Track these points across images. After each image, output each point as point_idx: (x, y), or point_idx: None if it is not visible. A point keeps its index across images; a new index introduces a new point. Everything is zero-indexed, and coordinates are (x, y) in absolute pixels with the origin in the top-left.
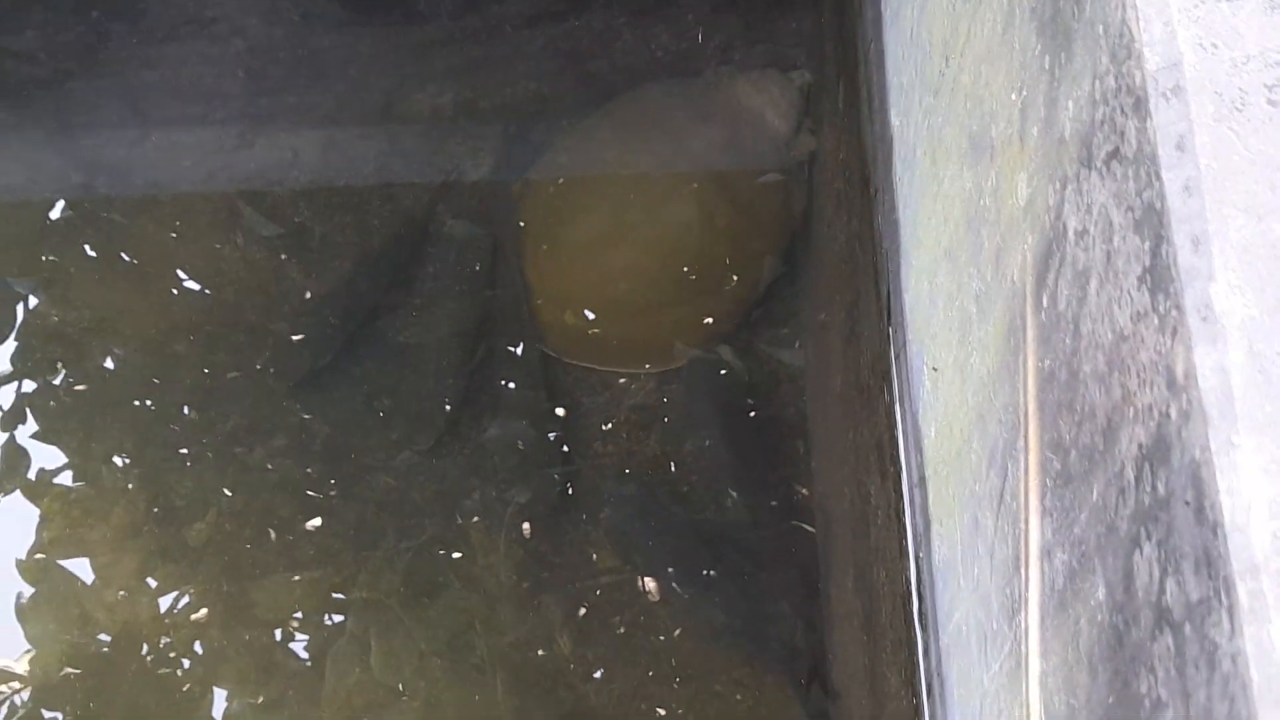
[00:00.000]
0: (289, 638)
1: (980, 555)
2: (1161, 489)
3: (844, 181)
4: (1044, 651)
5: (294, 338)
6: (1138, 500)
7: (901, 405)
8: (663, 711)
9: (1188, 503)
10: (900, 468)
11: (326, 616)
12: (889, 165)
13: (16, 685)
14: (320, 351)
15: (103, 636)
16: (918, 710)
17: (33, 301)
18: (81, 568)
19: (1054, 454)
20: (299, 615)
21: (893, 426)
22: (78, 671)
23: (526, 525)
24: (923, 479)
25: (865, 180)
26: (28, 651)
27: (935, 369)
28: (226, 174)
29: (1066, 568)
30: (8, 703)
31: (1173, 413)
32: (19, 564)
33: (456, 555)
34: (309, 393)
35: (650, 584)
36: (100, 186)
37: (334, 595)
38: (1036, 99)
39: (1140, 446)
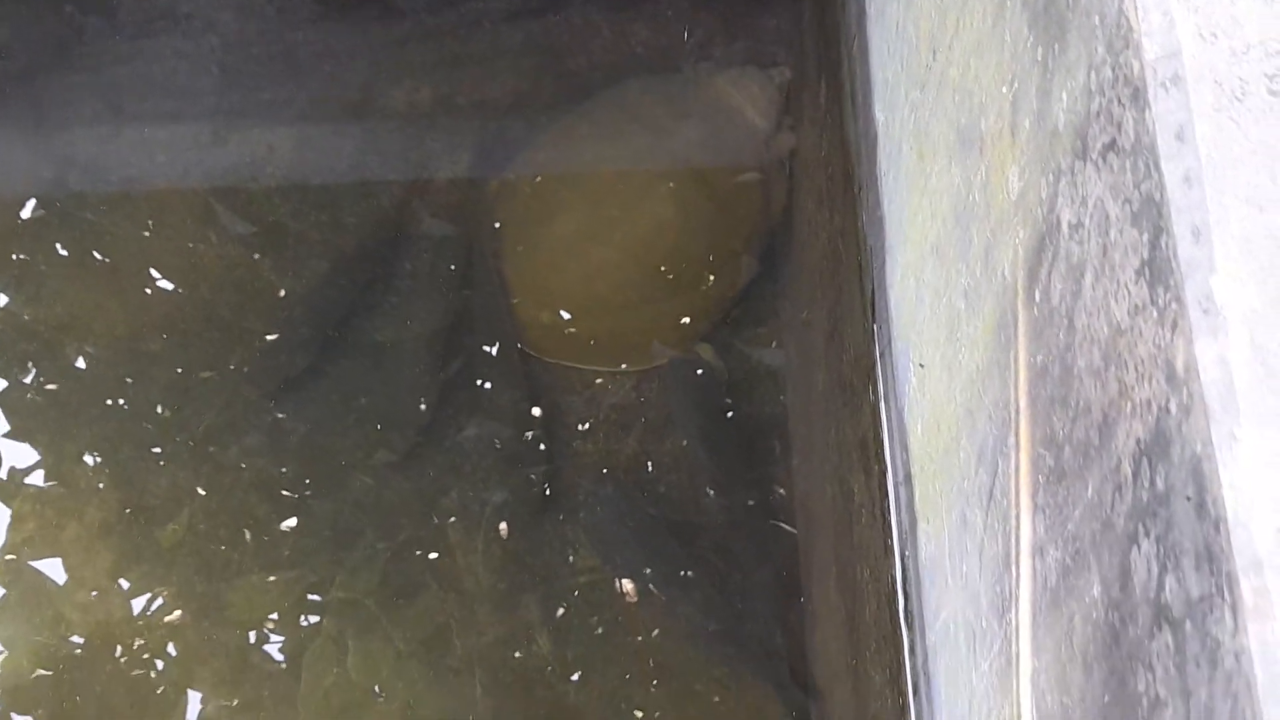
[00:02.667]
0: (264, 639)
1: (969, 552)
2: (1160, 484)
3: (826, 178)
4: (1036, 649)
5: (268, 338)
6: (1135, 496)
7: (886, 403)
8: (641, 712)
9: (1189, 498)
10: (885, 465)
11: (303, 617)
12: (873, 161)
13: None
14: (296, 354)
15: (75, 638)
16: (903, 709)
17: (2, 300)
18: (54, 568)
19: (1046, 450)
20: (275, 616)
21: (877, 424)
22: (49, 673)
23: (504, 525)
24: (908, 476)
25: (848, 177)
26: None
27: (922, 366)
28: (201, 170)
29: (1060, 564)
30: None
31: (1172, 407)
32: None
33: (434, 555)
34: (285, 394)
35: (628, 584)
36: (72, 183)
37: (310, 596)
38: (1029, 91)
39: (1138, 441)
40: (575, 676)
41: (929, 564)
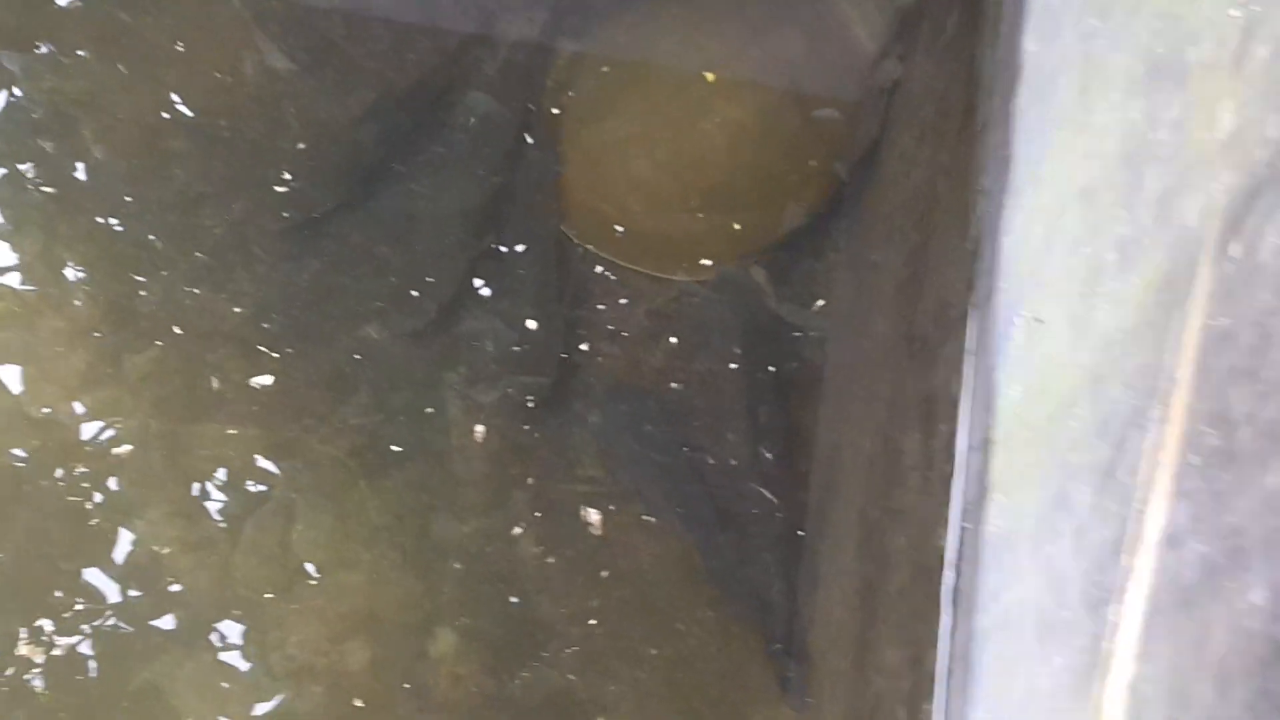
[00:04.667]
0: (230, 486)
1: (1062, 534)
2: None
3: (936, 113)
4: (1144, 654)
5: (291, 172)
6: None
7: (974, 360)
8: (612, 640)
9: None
10: (955, 427)
11: (280, 463)
12: (1010, 96)
13: None
14: (324, 188)
15: (17, 451)
16: (924, 692)
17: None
18: (12, 376)
19: (1212, 428)
20: (245, 463)
21: (953, 381)
22: None
23: (510, 414)
24: (986, 442)
25: (968, 112)
26: None
27: (1039, 321)
28: None
29: (1204, 561)
30: None
31: None
32: None
33: (428, 431)
34: (302, 228)
35: (594, 514)
36: None
37: (293, 441)
38: (1274, 15)
39: None
40: (549, 588)
41: (997, 541)
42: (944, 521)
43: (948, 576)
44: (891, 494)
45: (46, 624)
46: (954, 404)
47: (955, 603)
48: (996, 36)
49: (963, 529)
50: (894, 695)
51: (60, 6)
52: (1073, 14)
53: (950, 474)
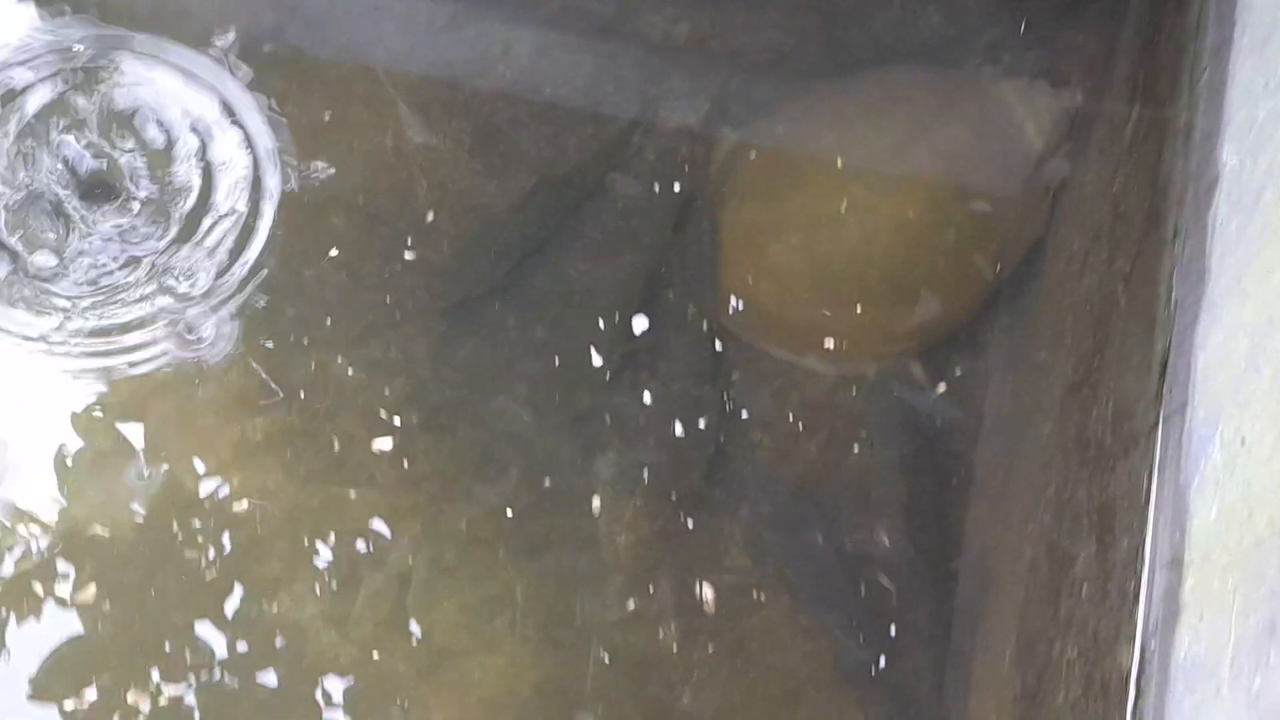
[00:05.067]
0: (347, 552)
1: (1272, 666)
2: None
3: (1114, 216)
4: None
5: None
6: None
7: (1160, 474)
8: None
9: None
10: (1142, 543)
11: (423, 549)
12: (1204, 207)
13: (37, 531)
14: (484, 269)
15: (136, 507)
16: None
17: None
18: (134, 432)
19: None
20: (372, 532)
21: (1137, 494)
22: (105, 535)
23: (657, 500)
24: (1177, 561)
25: (1155, 219)
26: (55, 502)
27: (1243, 442)
28: (427, 54)
29: None
30: (24, 547)
31: None
32: (72, 415)
33: (575, 514)
34: (459, 310)
35: (777, 595)
36: (289, 34)
37: (437, 526)
38: None
39: None
40: (694, 680)
41: (1190, 665)
42: (1126, 638)
43: (1130, 696)
44: (1059, 603)
45: (155, 674)
46: (1141, 518)
47: None
48: (1187, 146)
49: (1144, 648)
50: None
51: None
52: None
53: (1134, 590)
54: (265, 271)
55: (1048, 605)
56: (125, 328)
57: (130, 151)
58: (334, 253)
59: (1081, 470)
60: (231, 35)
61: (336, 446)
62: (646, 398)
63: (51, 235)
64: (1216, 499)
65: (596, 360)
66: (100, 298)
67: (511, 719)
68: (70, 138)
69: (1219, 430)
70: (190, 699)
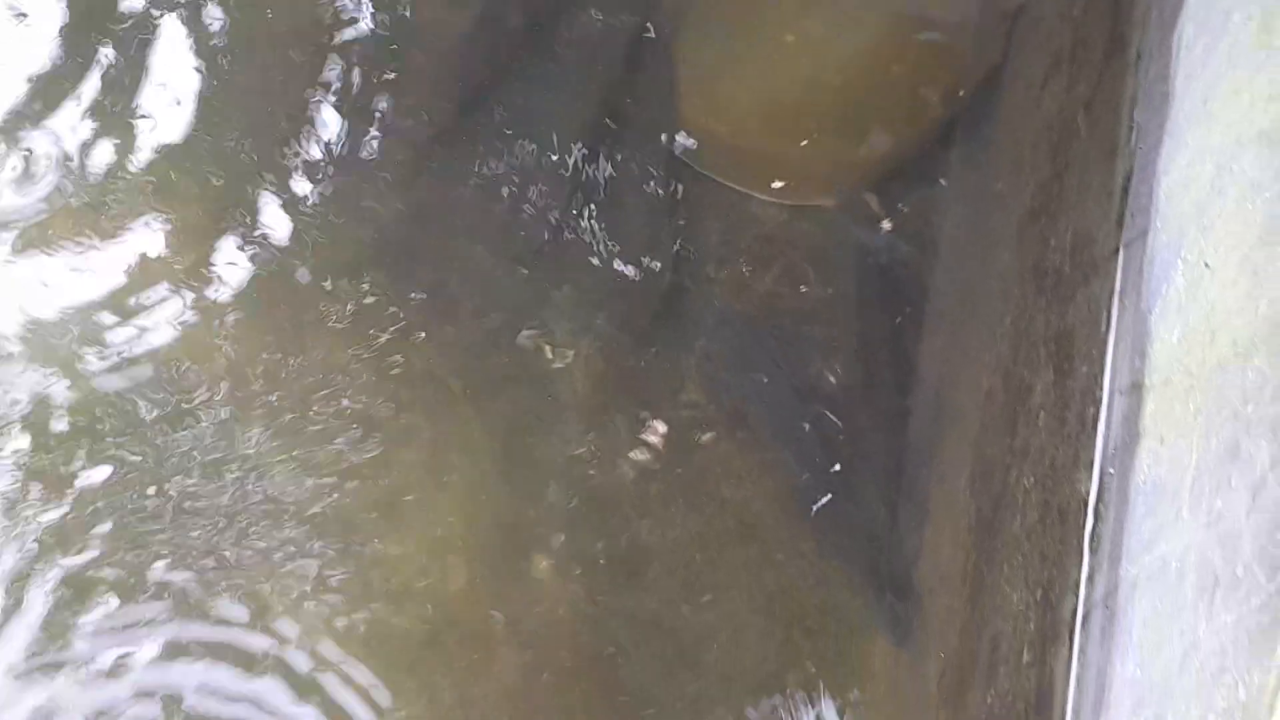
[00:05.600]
0: (314, 397)
1: (1233, 488)
2: None
3: (1074, 42)
4: None
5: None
6: None
7: (1121, 300)
8: (716, 566)
9: None
10: (1101, 369)
11: (385, 386)
12: (1168, 29)
13: None
14: (437, 101)
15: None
16: (1054, 636)
17: None
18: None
19: None
20: (350, 383)
21: (1098, 321)
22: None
23: (614, 337)
24: (1137, 386)
25: (1116, 43)
26: None
27: (1207, 266)
28: None
29: None
30: None
31: None
32: None
33: (533, 350)
34: (411, 153)
35: (659, 425)
36: None
37: (393, 363)
38: None
39: None
40: (651, 512)
41: (1151, 488)
42: (1084, 464)
43: (1088, 521)
44: (1015, 432)
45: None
46: (1100, 345)
47: (1094, 549)
48: None
49: (1104, 473)
50: (1018, 636)
51: None
52: None
53: (1093, 416)
54: None
55: (1004, 434)
56: None
57: None
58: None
59: (1039, 299)
60: None
61: (298, 299)
62: (601, 234)
63: None
64: (1179, 323)
65: (551, 197)
66: None
67: (470, 555)
68: None
69: (1181, 254)
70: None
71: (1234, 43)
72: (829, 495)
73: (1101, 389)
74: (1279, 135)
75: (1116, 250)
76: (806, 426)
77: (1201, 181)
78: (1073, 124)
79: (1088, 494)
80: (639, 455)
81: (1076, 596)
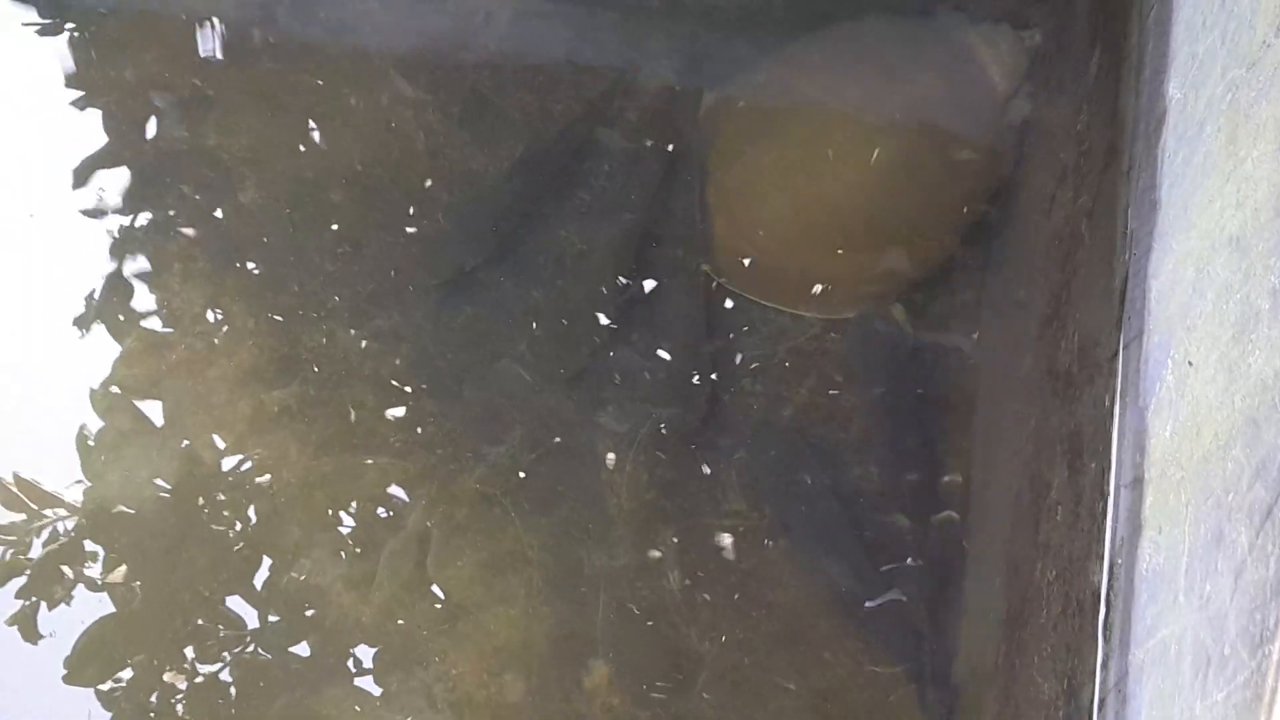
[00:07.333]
0: (366, 520)
1: (1219, 573)
2: None
3: (1078, 154)
4: None
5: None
6: None
7: (1122, 399)
8: (761, 670)
9: None
10: (1108, 465)
11: (436, 505)
12: (1154, 141)
13: (64, 513)
14: (475, 240)
15: (160, 482)
16: None
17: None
18: (155, 410)
19: None
20: (398, 500)
21: (1103, 420)
22: (131, 511)
23: (657, 451)
24: (1138, 480)
25: (1114, 154)
26: (79, 483)
27: (1190, 364)
28: (412, 28)
29: None
30: (50, 529)
31: None
32: (91, 394)
33: (579, 468)
34: (453, 284)
35: (774, 537)
36: (280, 16)
37: (448, 485)
38: None
39: None
40: (701, 621)
41: (1151, 576)
42: (1096, 556)
43: (1100, 611)
44: (1038, 528)
45: (190, 650)
46: (1105, 442)
47: (1106, 637)
48: (1138, 81)
49: (1113, 564)
50: None
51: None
52: (1219, 63)
53: (1101, 510)
54: None
55: (1029, 531)
56: None
57: None
58: (336, 225)
59: (1053, 400)
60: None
61: (352, 416)
62: (642, 353)
63: None
64: (1170, 418)
65: (592, 318)
66: None
67: (527, 667)
68: None
69: (1171, 354)
70: (225, 674)
71: (1207, 153)
72: (874, 595)
73: (1109, 484)
74: (1247, 240)
75: (1117, 352)
76: (846, 529)
77: (1185, 284)
78: (1078, 232)
79: (1100, 584)
80: (686, 564)
81: (1094, 683)
